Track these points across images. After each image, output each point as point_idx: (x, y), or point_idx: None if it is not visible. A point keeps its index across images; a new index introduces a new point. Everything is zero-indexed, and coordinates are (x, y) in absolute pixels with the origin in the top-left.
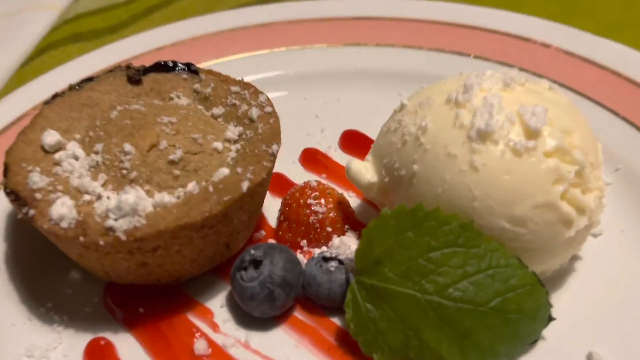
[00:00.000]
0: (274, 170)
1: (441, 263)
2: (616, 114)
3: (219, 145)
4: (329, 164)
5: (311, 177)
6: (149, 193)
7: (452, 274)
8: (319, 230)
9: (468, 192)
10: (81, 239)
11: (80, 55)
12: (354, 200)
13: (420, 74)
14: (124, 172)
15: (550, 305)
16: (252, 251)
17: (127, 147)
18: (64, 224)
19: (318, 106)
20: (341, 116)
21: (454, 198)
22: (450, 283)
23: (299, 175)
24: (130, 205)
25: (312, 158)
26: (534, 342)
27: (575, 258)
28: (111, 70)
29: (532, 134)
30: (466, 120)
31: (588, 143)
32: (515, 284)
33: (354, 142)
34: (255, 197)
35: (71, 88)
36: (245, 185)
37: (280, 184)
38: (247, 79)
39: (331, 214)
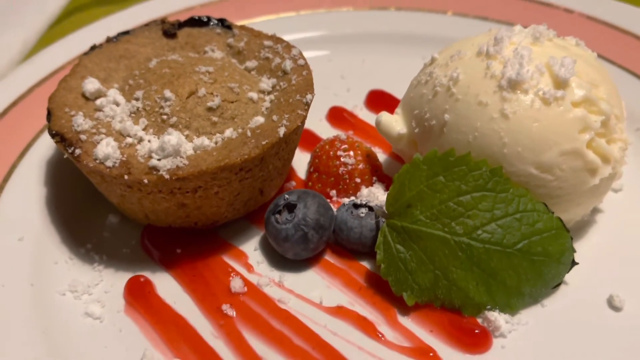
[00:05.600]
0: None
1: (471, 206)
2: (637, 76)
3: (254, 95)
4: (355, 121)
5: (338, 134)
6: (188, 138)
7: (481, 217)
8: (347, 181)
9: (498, 139)
10: (125, 177)
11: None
12: (380, 155)
13: (444, 37)
14: (164, 117)
15: (573, 250)
16: (287, 196)
17: (167, 93)
18: (108, 163)
19: (343, 67)
20: (366, 77)
21: (485, 145)
22: (479, 225)
23: (326, 131)
24: (173, 146)
25: (339, 115)
26: (557, 285)
27: (596, 211)
28: (146, 25)
29: (560, 84)
30: (497, 71)
31: (613, 96)
32: (541, 227)
33: (380, 100)
34: (289, 144)
35: (108, 40)
36: (282, 131)
37: (309, 139)
38: None
39: (360, 166)
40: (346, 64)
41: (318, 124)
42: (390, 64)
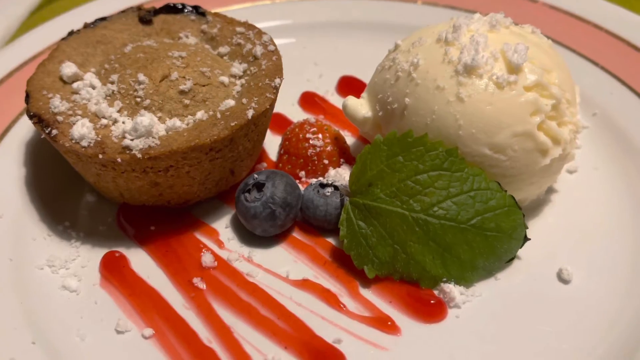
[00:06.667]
0: (275, 111)
1: (427, 184)
2: (595, 63)
3: (225, 79)
4: (326, 106)
5: (308, 117)
6: (160, 119)
7: (437, 194)
8: (316, 162)
9: (454, 121)
10: (100, 156)
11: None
12: (348, 138)
13: (414, 26)
14: (138, 99)
15: (525, 227)
16: (256, 175)
17: (141, 77)
18: (84, 143)
19: (317, 54)
20: (338, 64)
21: (441, 127)
22: (435, 202)
23: (298, 115)
24: (146, 127)
25: (310, 100)
26: (510, 260)
27: (551, 191)
28: (123, 11)
29: (513, 69)
30: (454, 57)
31: (565, 82)
32: (494, 205)
33: (350, 86)
34: (259, 126)
35: (86, 26)
36: (250, 113)
37: (281, 122)
38: None
39: (328, 148)
40: (319, 51)
41: (290, 108)
42: (362, 51)
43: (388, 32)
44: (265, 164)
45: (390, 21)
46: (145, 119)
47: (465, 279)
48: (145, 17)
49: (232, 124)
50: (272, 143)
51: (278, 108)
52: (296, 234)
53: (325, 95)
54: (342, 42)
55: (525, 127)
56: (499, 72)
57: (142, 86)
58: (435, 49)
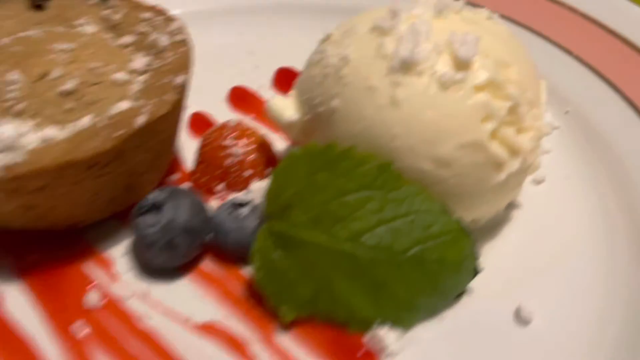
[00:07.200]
0: (198, 109)
1: (356, 207)
2: (568, 52)
3: (121, 76)
4: (258, 104)
5: (238, 118)
6: (38, 127)
7: (368, 219)
8: (236, 173)
9: (388, 129)
10: None
11: None
12: (282, 143)
13: (368, 7)
14: (10, 103)
15: (476, 257)
16: (152, 195)
17: (14, 75)
18: None
19: (253, 42)
20: (278, 53)
21: (373, 136)
22: (365, 229)
23: (225, 115)
24: (8, 139)
25: (240, 97)
26: (458, 296)
27: (512, 206)
28: None
29: (461, 64)
30: (390, 50)
31: (527, 78)
32: (436, 231)
33: (288, 80)
34: (159, 134)
35: None
36: (140, 120)
37: (203, 123)
38: (178, 12)
39: (250, 157)
40: (257, 38)
41: (217, 105)
42: (307, 39)
43: (337, 15)
44: (177, 176)
45: (340, 2)
46: (9, 128)
47: (403, 321)
48: (37, 1)
49: (117, 134)
50: (191, 148)
51: (202, 106)
52: (207, 264)
53: (259, 90)
54: (285, 27)
55: (474, 136)
56: (443, 69)
57: (14, 87)
58: (369, 40)
